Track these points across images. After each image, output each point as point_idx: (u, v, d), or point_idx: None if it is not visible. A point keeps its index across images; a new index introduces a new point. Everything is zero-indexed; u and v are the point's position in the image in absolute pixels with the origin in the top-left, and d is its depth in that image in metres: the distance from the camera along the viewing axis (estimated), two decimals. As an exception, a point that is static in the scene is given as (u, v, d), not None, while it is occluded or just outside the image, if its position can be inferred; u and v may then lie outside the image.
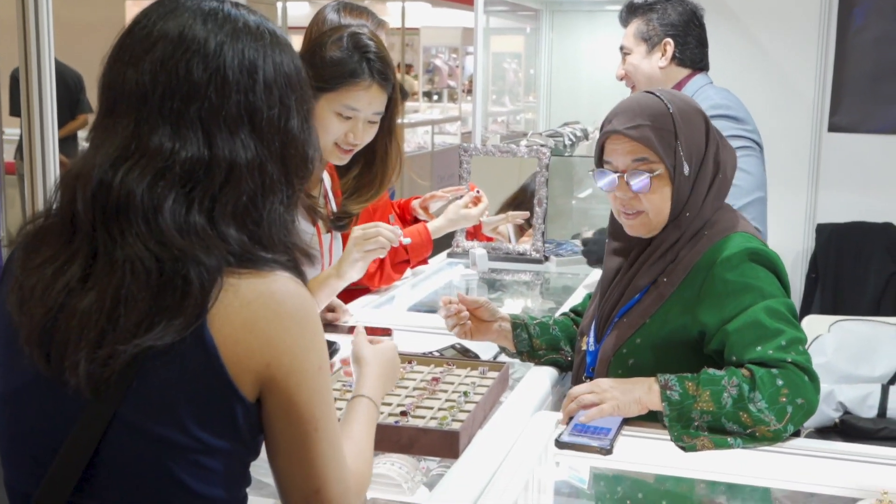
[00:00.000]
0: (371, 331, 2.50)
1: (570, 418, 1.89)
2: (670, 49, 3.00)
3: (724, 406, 1.83)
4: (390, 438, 1.77)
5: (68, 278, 1.20)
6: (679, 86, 3.00)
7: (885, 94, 4.83)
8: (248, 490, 1.30)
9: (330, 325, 2.50)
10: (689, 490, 1.94)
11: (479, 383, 2.03)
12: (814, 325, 4.02)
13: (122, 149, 1.22)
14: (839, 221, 4.87)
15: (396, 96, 2.43)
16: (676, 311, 1.99)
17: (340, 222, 2.60)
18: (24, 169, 1.74)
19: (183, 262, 1.18)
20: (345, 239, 2.53)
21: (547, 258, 3.52)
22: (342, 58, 2.33)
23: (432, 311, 3.01)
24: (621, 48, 3.12)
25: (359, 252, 2.34)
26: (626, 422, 1.90)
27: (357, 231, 2.37)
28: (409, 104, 10.01)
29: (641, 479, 1.97)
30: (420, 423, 1.82)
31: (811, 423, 3.83)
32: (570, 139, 4.48)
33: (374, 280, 2.95)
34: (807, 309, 4.78)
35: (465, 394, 1.96)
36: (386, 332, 2.50)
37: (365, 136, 2.38)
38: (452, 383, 2.03)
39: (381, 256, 2.41)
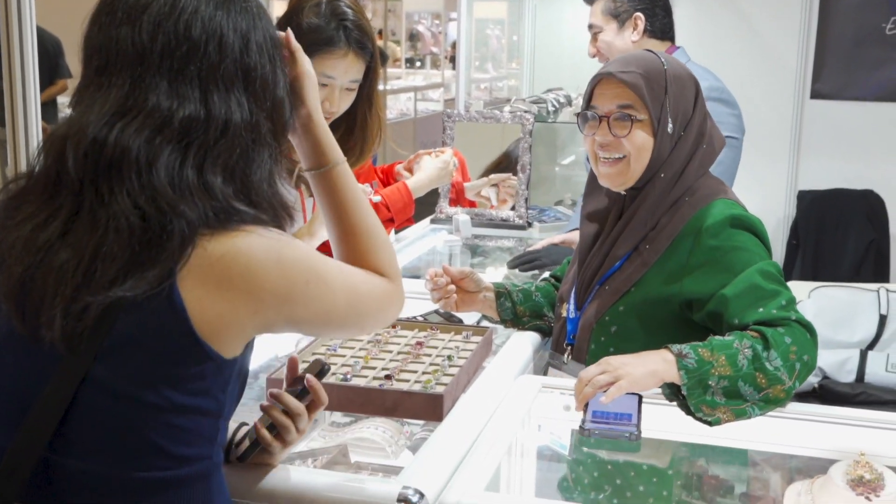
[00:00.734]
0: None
1: (587, 404, 1.82)
2: (641, 23, 2.98)
3: (742, 368, 1.82)
4: (374, 401, 1.79)
5: (49, 234, 1.21)
6: None
7: (867, 62, 4.84)
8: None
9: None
10: (668, 452, 1.97)
11: (462, 348, 2.05)
12: (794, 290, 4.03)
13: (117, 107, 1.23)
14: (820, 188, 4.90)
15: (376, 64, 2.42)
16: (661, 279, 2.00)
17: None
18: (7, 136, 1.74)
19: (168, 215, 1.19)
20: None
21: (530, 224, 3.54)
22: (319, 24, 2.31)
23: (416, 276, 3.02)
24: (590, 26, 3.09)
25: None
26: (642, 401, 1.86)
27: None
28: (391, 71, 9.97)
29: (622, 442, 1.99)
30: (404, 386, 1.84)
31: (790, 387, 3.88)
32: (554, 105, 4.48)
33: None
34: (787, 275, 4.81)
35: (449, 358, 1.98)
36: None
37: (342, 104, 2.37)
38: (436, 347, 2.05)
39: None
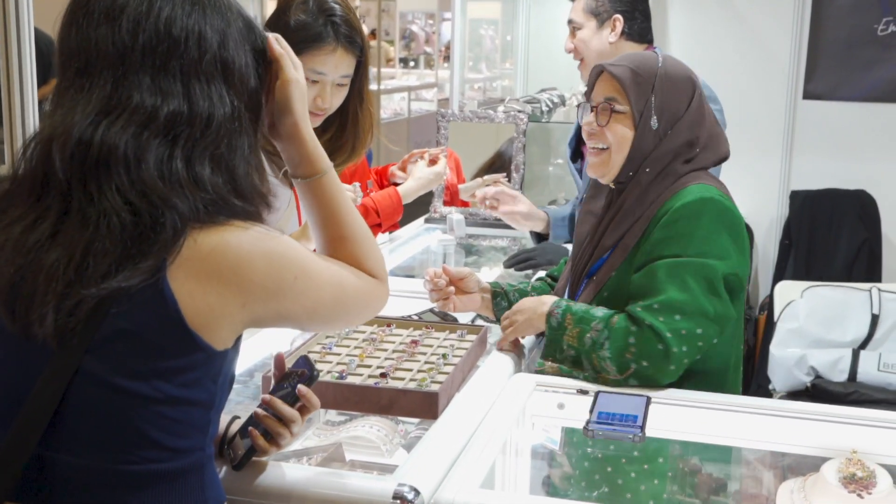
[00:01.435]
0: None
1: (594, 404, 1.88)
2: (620, 25, 2.99)
3: (584, 346, 1.96)
4: (370, 399, 1.80)
5: (38, 235, 1.22)
6: None
7: (860, 63, 4.86)
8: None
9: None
10: (661, 449, 1.98)
11: (457, 346, 2.06)
12: (787, 290, 4.07)
13: (101, 106, 1.24)
14: (813, 188, 4.91)
15: (366, 59, 2.42)
16: (632, 263, 2.04)
17: None
18: (4, 135, 1.74)
19: (160, 208, 1.21)
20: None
21: (524, 224, 3.54)
22: (307, 21, 2.31)
23: (410, 275, 3.03)
24: (570, 21, 3.11)
25: None
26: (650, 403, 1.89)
27: None
28: (385, 70, 9.97)
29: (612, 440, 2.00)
30: (399, 384, 1.85)
31: (783, 387, 3.90)
32: (548, 105, 4.48)
33: None
34: (780, 275, 4.83)
35: (444, 356, 1.98)
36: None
37: (334, 100, 2.38)
38: (431, 346, 2.06)
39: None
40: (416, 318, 2.28)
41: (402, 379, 1.87)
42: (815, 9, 4.86)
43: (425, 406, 1.78)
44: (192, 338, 1.22)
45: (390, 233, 3.30)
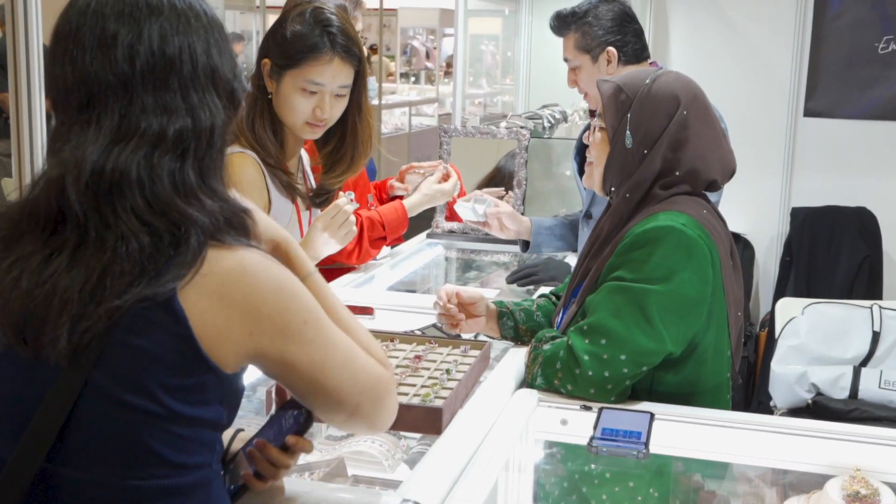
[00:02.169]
0: (352, 310, 2.52)
1: (597, 420, 1.88)
2: (614, 56, 2.95)
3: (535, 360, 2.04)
4: (374, 415, 1.79)
5: (55, 266, 1.21)
6: None
7: (860, 80, 4.88)
8: None
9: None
10: (664, 466, 1.98)
11: (461, 361, 2.05)
12: (788, 307, 4.07)
13: (112, 136, 1.24)
14: (813, 205, 4.92)
15: (364, 70, 2.43)
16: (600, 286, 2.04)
17: (319, 199, 2.61)
18: (12, 151, 1.74)
19: (181, 225, 1.21)
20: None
21: (525, 239, 3.54)
22: (303, 32, 2.32)
23: (412, 290, 3.03)
24: (566, 59, 3.09)
25: (336, 236, 2.37)
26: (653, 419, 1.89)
27: (324, 220, 2.41)
28: (386, 86, 9.99)
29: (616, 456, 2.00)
30: (403, 399, 1.84)
31: (784, 403, 3.89)
32: (550, 121, 4.50)
33: (352, 257, 2.96)
34: (781, 292, 4.84)
35: (448, 371, 1.98)
36: (367, 311, 2.52)
37: (333, 110, 2.38)
38: (435, 361, 2.05)
39: (353, 222, 2.44)
40: (419, 332, 2.28)
41: (406, 394, 1.87)
42: (816, 26, 4.88)
43: (429, 422, 1.78)
44: (202, 357, 1.22)
45: (392, 247, 3.30)
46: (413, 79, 12.07)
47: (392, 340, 2.17)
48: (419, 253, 3.48)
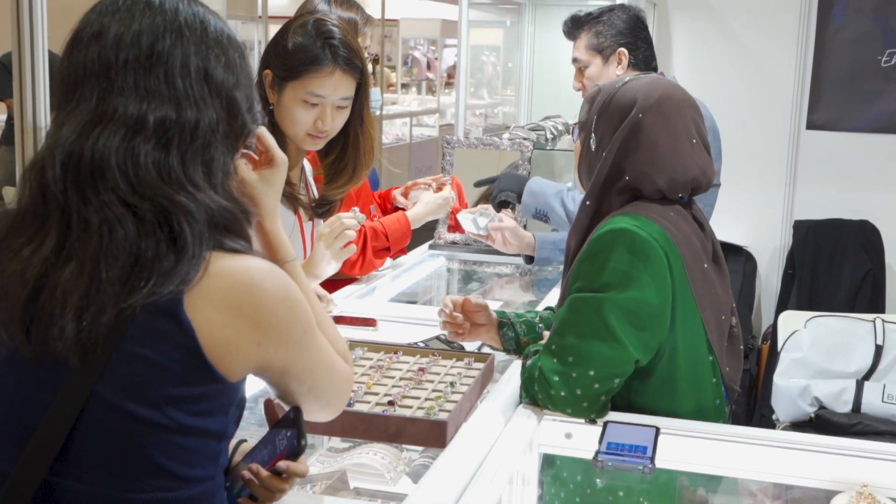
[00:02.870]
0: (355, 321, 2.52)
1: (602, 434, 1.86)
2: (625, 58, 3.05)
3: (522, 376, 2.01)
4: (378, 428, 1.78)
5: (45, 251, 1.21)
6: None
7: (862, 94, 4.88)
8: None
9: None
10: (669, 481, 1.96)
11: (465, 374, 2.04)
12: (790, 320, 4.06)
13: (88, 118, 1.24)
14: (816, 218, 4.92)
15: (366, 82, 2.43)
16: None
17: (321, 209, 2.60)
18: (16, 157, 1.74)
19: (173, 215, 1.21)
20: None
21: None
22: (305, 44, 2.32)
23: (414, 301, 3.02)
24: (574, 60, 3.15)
25: (331, 251, 2.36)
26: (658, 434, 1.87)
27: (324, 229, 2.40)
28: (387, 96, 10.00)
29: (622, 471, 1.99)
30: (408, 412, 1.83)
31: (786, 417, 3.88)
32: (552, 133, 4.49)
33: (355, 268, 2.95)
34: (783, 305, 4.83)
35: (452, 384, 1.97)
36: (370, 322, 2.51)
37: (335, 122, 2.38)
38: (439, 374, 2.04)
39: (351, 239, 2.43)
40: (422, 345, 2.28)
41: (410, 407, 1.86)
42: (819, 40, 4.89)
43: (434, 435, 1.77)
44: (207, 367, 1.21)
45: (394, 258, 3.30)
46: (414, 89, 12.09)
47: (396, 352, 2.16)
48: (421, 264, 3.47)
